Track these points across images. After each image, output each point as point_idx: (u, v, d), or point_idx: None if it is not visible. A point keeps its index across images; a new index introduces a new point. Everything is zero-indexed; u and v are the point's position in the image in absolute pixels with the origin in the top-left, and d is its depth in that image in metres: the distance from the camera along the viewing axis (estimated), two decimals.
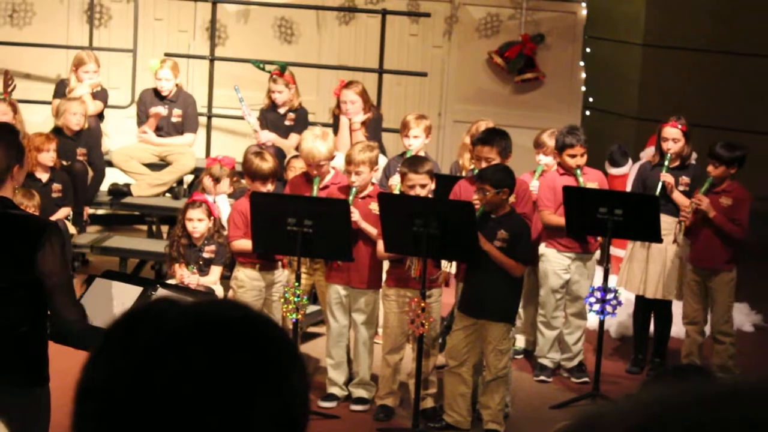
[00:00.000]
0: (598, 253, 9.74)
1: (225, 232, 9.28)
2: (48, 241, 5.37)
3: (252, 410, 1.60)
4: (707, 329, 9.62)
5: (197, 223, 9.37)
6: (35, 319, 5.46)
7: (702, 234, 9.36)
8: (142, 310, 1.70)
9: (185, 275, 9.37)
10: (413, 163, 8.73)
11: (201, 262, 9.44)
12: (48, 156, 10.35)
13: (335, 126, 10.77)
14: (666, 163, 9.55)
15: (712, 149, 9.32)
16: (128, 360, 1.62)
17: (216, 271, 9.49)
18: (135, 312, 1.71)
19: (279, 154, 10.44)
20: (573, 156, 9.45)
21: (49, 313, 5.51)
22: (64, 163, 10.72)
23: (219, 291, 9.42)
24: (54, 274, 5.37)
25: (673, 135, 9.58)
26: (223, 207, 9.59)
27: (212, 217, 9.43)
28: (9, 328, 5.39)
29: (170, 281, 9.27)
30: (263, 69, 11.50)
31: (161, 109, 11.56)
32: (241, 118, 11.42)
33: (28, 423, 5.25)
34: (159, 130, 11.66)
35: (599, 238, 9.57)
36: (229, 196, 9.83)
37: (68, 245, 9.50)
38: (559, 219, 9.38)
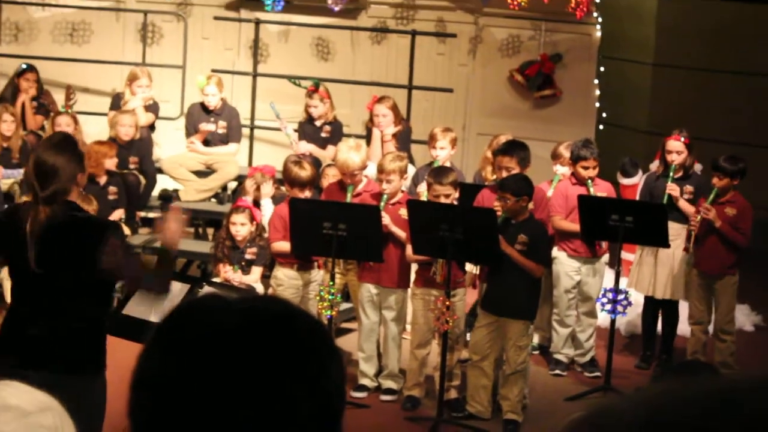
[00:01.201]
0: (606, 257, 9.72)
1: (266, 235, 9.30)
2: (110, 237, 5.40)
3: (294, 400, 1.59)
4: (710, 328, 9.59)
5: (240, 227, 9.40)
6: (96, 312, 5.50)
7: (708, 241, 9.32)
8: (190, 306, 1.70)
9: (229, 274, 9.39)
10: (438, 174, 8.70)
11: (243, 263, 9.46)
12: (111, 162, 10.42)
13: (368, 138, 10.77)
14: (670, 174, 9.52)
15: (716, 162, 9.28)
16: (178, 352, 1.62)
17: (257, 270, 9.51)
18: (184, 307, 1.70)
19: (316, 163, 10.45)
20: (586, 168, 9.44)
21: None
22: (118, 171, 10.75)
23: (260, 289, 9.43)
24: (119, 265, 5.39)
25: (676, 147, 9.55)
26: (267, 209, 9.61)
27: (254, 222, 9.47)
28: (73, 320, 5.44)
29: (215, 279, 9.29)
30: (299, 85, 11.51)
31: (210, 126, 11.59)
32: (280, 130, 11.45)
33: (84, 406, 5.28)
34: (205, 141, 11.69)
35: (606, 244, 9.56)
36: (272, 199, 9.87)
37: None
38: (568, 224, 9.39)
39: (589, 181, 9.44)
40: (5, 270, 9.93)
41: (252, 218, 9.45)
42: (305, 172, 8.99)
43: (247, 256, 9.47)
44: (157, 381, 1.62)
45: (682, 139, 9.53)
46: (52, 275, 5.41)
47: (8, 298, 9.61)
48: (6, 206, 6.92)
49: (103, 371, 5.50)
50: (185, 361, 1.60)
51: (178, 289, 5.93)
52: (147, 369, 1.65)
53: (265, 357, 1.60)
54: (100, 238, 5.35)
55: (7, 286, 9.78)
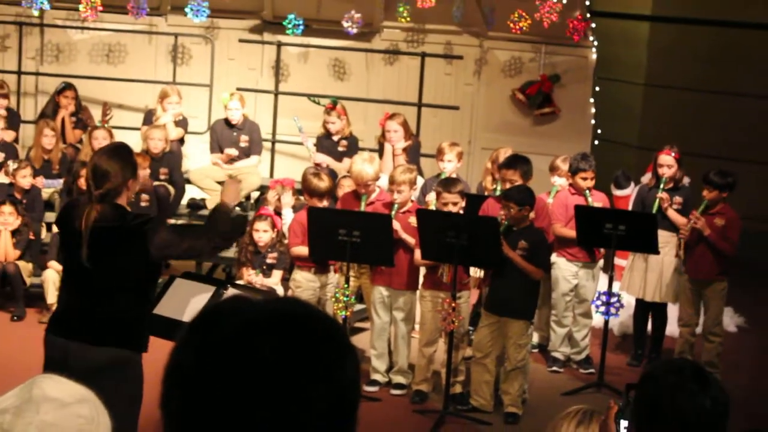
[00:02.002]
0: (601, 262, 9.71)
1: (286, 241, 9.31)
2: (156, 226, 5.58)
3: (311, 398, 1.60)
4: (698, 330, 9.57)
5: (263, 234, 9.41)
6: (142, 304, 5.60)
7: (697, 249, 9.31)
8: (220, 306, 1.71)
9: (251, 277, 9.39)
10: (447, 184, 8.72)
11: (264, 267, 9.47)
12: (144, 173, 10.42)
13: (380, 151, 10.77)
14: (661, 186, 9.52)
15: (707, 176, 9.27)
16: (207, 348, 1.63)
17: (277, 274, 9.51)
18: (213, 308, 1.71)
19: (332, 174, 10.45)
20: (584, 179, 9.47)
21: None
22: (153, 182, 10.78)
23: (280, 291, 9.43)
24: (169, 245, 5.55)
25: (667, 162, 9.55)
26: (288, 217, 9.62)
27: (275, 229, 9.48)
28: (122, 310, 5.54)
29: (239, 282, 9.29)
30: (318, 103, 11.53)
31: (233, 151, 11.60)
32: (300, 143, 11.46)
33: (126, 383, 5.40)
34: (231, 159, 11.71)
35: (602, 250, 9.55)
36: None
37: None
38: (568, 231, 9.40)
39: (587, 191, 9.45)
40: (46, 273, 9.97)
41: (273, 226, 9.47)
42: (324, 183, 9.01)
43: (269, 261, 9.47)
44: (185, 376, 1.63)
45: (673, 154, 9.54)
46: (99, 270, 5.52)
47: (49, 299, 9.67)
48: (65, 203, 7.08)
49: (141, 356, 5.58)
50: (211, 358, 1.61)
51: (204, 290, 5.95)
52: (177, 364, 1.66)
53: (287, 353, 1.60)
54: (146, 229, 5.51)
55: (48, 287, 9.82)
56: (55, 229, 9.25)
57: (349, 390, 1.66)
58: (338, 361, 1.65)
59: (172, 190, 11.14)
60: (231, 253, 10.22)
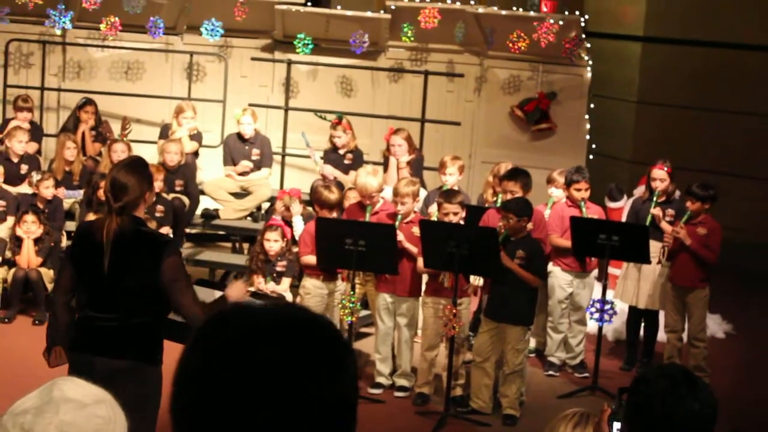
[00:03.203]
0: (595, 272, 9.70)
1: (295, 250, 9.30)
2: (169, 252, 5.52)
3: (316, 394, 1.60)
4: (684, 336, 9.55)
5: (273, 243, 9.40)
6: (157, 313, 5.57)
7: (680, 257, 9.31)
8: (227, 312, 1.71)
9: (261, 284, 9.39)
10: (448, 195, 8.73)
11: (274, 274, 9.46)
12: (158, 184, 10.41)
13: (385, 165, 10.78)
14: (654, 198, 9.51)
15: (690, 188, 9.29)
16: (214, 351, 1.63)
17: (286, 281, 9.50)
18: (221, 313, 1.71)
19: (338, 186, 10.45)
20: (578, 190, 9.46)
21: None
22: (167, 196, 10.79)
23: (289, 297, 9.42)
24: (176, 280, 5.48)
25: (660, 176, 9.54)
26: (298, 226, 9.61)
27: (285, 239, 9.47)
28: (136, 318, 5.52)
29: (250, 289, 9.28)
30: (323, 118, 11.54)
31: (249, 164, 11.62)
32: (308, 157, 11.48)
33: (142, 395, 5.34)
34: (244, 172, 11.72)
35: (595, 260, 9.54)
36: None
37: None
38: (564, 241, 9.39)
39: (583, 203, 9.45)
40: None
41: (283, 235, 9.46)
42: (334, 195, 9.03)
43: (278, 269, 9.47)
44: (192, 378, 1.63)
45: (666, 168, 9.54)
46: (119, 279, 5.51)
47: None
48: (80, 224, 7.02)
49: (160, 365, 5.56)
50: (218, 361, 1.61)
51: (217, 296, 5.96)
52: (185, 367, 1.66)
53: (292, 356, 1.60)
54: (161, 251, 5.48)
55: None
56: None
57: (348, 390, 1.66)
58: (338, 362, 1.65)
59: (186, 201, 11.14)
60: (242, 261, 10.22)
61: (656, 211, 9.45)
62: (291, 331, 1.64)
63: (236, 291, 5.77)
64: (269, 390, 1.57)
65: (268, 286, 9.36)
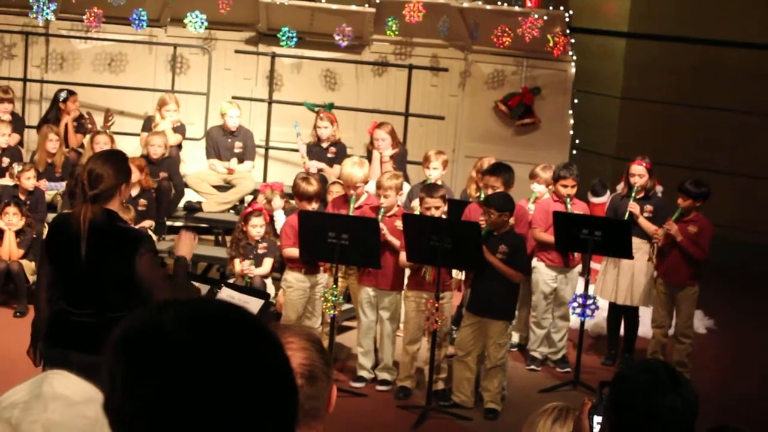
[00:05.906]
0: (579, 267, 9.71)
1: (278, 232, 9.32)
2: (143, 248, 5.49)
3: (240, 382, 1.54)
4: (671, 332, 9.58)
5: (259, 228, 9.44)
6: (133, 309, 5.53)
7: (671, 254, 9.31)
8: (137, 324, 1.69)
9: (245, 264, 9.39)
10: (429, 189, 8.73)
11: (253, 257, 9.47)
12: (138, 176, 10.39)
13: (369, 158, 10.73)
14: (632, 194, 9.52)
15: (682, 185, 9.27)
16: (133, 360, 1.64)
17: (268, 262, 9.51)
18: (132, 325, 1.70)
19: (322, 180, 10.44)
20: (565, 186, 9.46)
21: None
22: (153, 185, 10.77)
23: (271, 289, 9.42)
24: (150, 275, 5.46)
25: (638, 171, 9.54)
26: (280, 219, 9.61)
27: (266, 222, 9.52)
28: (112, 313, 5.46)
29: (231, 280, 9.25)
30: (314, 110, 11.52)
31: (234, 164, 11.59)
32: (294, 150, 11.46)
33: None
34: (224, 159, 11.70)
35: (578, 256, 9.55)
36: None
37: None
38: (547, 236, 9.39)
39: (568, 199, 9.45)
40: None
41: (265, 220, 9.52)
42: (312, 186, 9.00)
43: (259, 251, 9.48)
44: (119, 385, 1.63)
45: (644, 164, 9.54)
46: (95, 273, 5.48)
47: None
48: (55, 216, 6.98)
49: None
50: (135, 365, 1.63)
51: (201, 290, 5.96)
52: (110, 376, 1.64)
53: (207, 350, 1.56)
54: (135, 247, 5.45)
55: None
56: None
57: (277, 375, 1.60)
58: (262, 348, 1.59)
59: (173, 190, 11.13)
60: (225, 253, 10.21)
61: (634, 207, 9.46)
62: (206, 322, 1.60)
63: (186, 246, 5.77)
64: (189, 382, 1.53)
65: (251, 269, 9.36)
